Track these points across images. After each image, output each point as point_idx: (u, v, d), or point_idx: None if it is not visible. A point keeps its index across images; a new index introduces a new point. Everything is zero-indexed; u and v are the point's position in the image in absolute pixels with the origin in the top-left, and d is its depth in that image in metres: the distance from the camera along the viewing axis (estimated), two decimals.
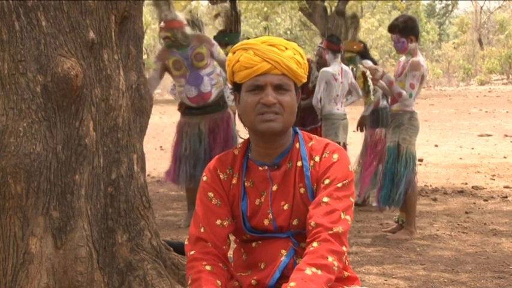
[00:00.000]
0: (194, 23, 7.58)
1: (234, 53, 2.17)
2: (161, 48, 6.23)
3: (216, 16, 8.50)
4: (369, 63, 6.38)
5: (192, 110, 6.11)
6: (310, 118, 7.30)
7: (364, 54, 6.93)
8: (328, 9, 19.32)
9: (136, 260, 3.01)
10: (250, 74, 2.12)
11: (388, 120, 6.84)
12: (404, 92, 5.39)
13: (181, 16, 6.14)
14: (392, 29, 5.55)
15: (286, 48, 2.14)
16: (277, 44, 2.13)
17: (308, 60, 7.48)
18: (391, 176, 5.53)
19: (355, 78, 6.95)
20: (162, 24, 5.95)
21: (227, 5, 7.81)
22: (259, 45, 2.13)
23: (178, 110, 6.27)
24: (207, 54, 5.99)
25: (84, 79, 2.82)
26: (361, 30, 28.07)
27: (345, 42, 7.02)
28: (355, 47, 6.87)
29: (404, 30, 5.45)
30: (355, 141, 7.39)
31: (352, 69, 7.04)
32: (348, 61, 7.06)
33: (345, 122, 6.91)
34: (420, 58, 5.48)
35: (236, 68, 2.15)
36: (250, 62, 2.11)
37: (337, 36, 7.18)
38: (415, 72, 5.39)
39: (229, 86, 5.90)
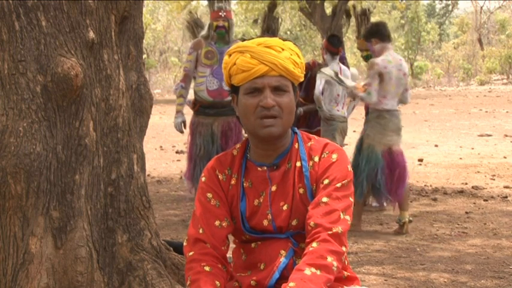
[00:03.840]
0: (197, 23, 7.61)
1: (230, 55, 2.17)
2: (197, 39, 6.33)
3: (255, 21, 8.62)
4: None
5: (206, 110, 6.13)
6: (316, 120, 7.27)
7: None
8: (328, 10, 19.28)
9: (136, 260, 3.01)
10: (247, 77, 2.12)
11: None
12: (360, 94, 5.87)
13: None
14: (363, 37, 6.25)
15: (283, 49, 2.13)
16: (273, 46, 2.13)
17: (314, 63, 7.46)
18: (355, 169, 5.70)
19: None
20: (222, 13, 6.05)
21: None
22: (256, 47, 2.12)
23: (192, 108, 6.29)
24: None
25: (84, 79, 2.82)
26: None
27: (357, 41, 7.06)
28: None
29: (367, 35, 6.02)
30: (354, 141, 7.38)
31: None
32: (364, 59, 7.07)
33: (344, 125, 6.84)
34: (381, 58, 5.77)
35: (233, 71, 2.15)
36: (248, 65, 2.11)
37: (338, 38, 7.11)
38: (370, 71, 5.83)
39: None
